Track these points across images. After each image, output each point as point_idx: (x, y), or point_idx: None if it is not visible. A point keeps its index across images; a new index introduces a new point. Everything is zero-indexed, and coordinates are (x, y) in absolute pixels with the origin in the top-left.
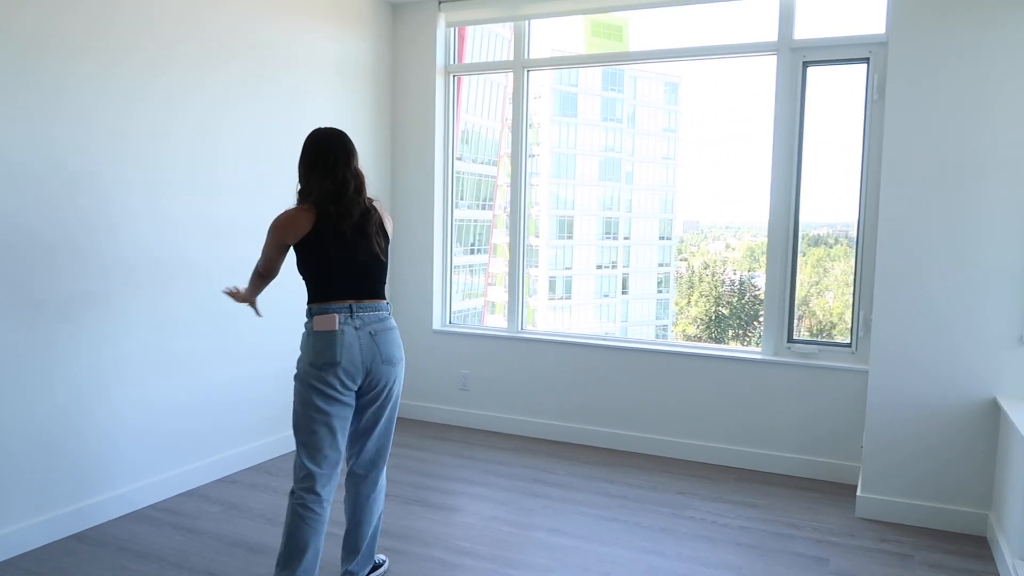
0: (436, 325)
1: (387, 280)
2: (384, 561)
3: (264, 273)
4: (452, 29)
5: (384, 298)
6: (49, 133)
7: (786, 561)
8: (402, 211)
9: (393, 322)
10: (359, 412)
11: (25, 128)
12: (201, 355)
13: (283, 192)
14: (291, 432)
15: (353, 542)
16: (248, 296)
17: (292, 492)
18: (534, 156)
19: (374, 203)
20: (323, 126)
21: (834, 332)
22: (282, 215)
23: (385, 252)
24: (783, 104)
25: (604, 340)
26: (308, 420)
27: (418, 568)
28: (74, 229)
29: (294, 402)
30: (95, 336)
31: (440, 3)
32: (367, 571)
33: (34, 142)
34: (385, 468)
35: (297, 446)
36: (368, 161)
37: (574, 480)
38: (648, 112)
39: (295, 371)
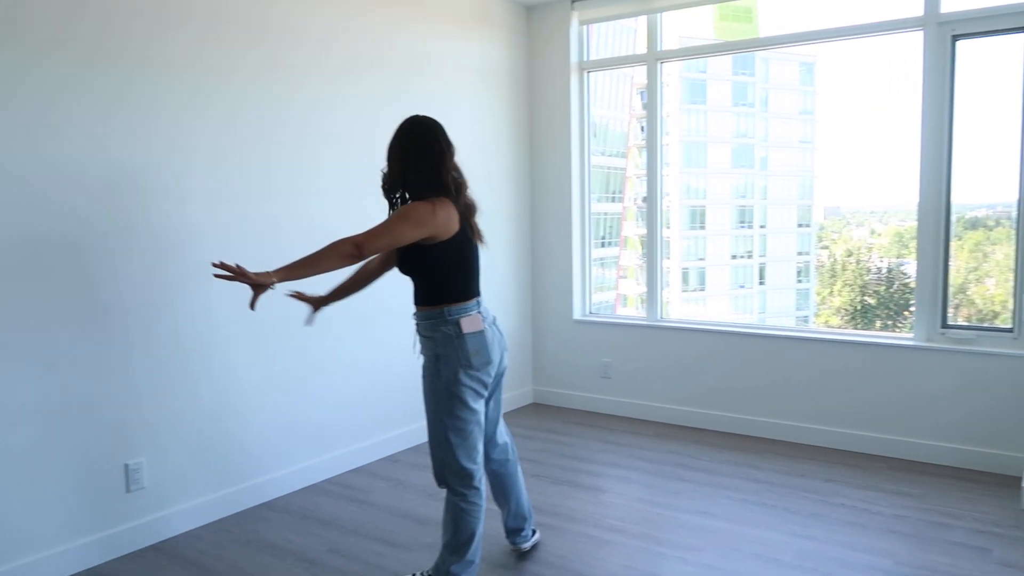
0: (576, 315)
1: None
2: (535, 533)
3: (365, 252)
4: (585, 27)
5: None
6: (223, 143)
7: (944, 550)
8: (541, 205)
9: None
10: (487, 403)
11: (168, 137)
12: (352, 349)
13: None
14: None
15: (518, 517)
16: (264, 278)
17: (451, 490)
18: (664, 146)
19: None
20: (419, 115)
21: (996, 322)
22: (427, 207)
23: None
24: (931, 81)
25: (746, 328)
26: (464, 423)
27: (571, 543)
28: (230, 231)
29: (439, 407)
30: (259, 337)
31: (573, 2)
32: (531, 535)
33: (176, 151)
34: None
35: (454, 449)
36: (507, 159)
37: (719, 466)
38: (782, 95)
39: (437, 378)
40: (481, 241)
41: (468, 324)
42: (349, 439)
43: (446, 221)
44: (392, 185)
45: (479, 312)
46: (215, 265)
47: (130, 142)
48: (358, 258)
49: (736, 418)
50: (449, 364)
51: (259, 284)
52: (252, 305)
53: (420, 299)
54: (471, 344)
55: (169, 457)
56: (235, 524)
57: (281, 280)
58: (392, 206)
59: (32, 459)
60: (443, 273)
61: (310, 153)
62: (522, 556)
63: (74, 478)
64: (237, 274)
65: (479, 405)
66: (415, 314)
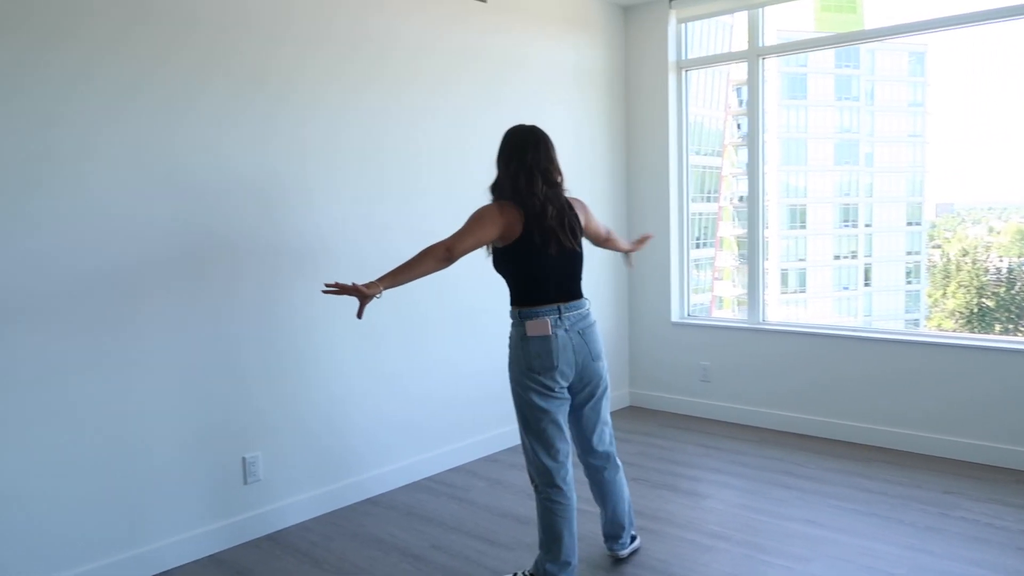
0: (675, 317)
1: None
2: (636, 537)
3: (456, 254)
4: (683, 25)
5: (583, 295)
6: (333, 148)
7: None
8: (638, 207)
9: (593, 316)
10: (576, 409)
11: (283, 142)
12: (453, 350)
13: None
14: None
15: (615, 523)
16: (373, 288)
17: (536, 488)
18: (764, 143)
19: (570, 197)
20: (518, 124)
21: None
22: (494, 207)
23: (582, 246)
24: None
25: (853, 330)
26: (535, 420)
27: (672, 548)
28: (327, 236)
29: (517, 404)
30: (367, 337)
31: (671, 0)
32: (630, 535)
33: (290, 156)
34: (615, 450)
35: (531, 445)
36: (603, 160)
37: (825, 474)
38: (889, 87)
39: (510, 377)
40: (555, 249)
41: (533, 328)
42: (449, 438)
43: (511, 223)
44: (493, 188)
45: (548, 318)
46: (328, 286)
47: (282, 151)
48: (450, 260)
49: (842, 424)
50: (517, 364)
51: (366, 295)
52: (359, 314)
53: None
54: (533, 347)
55: (283, 452)
56: (342, 518)
57: (387, 287)
58: None
59: (162, 451)
60: (511, 276)
61: (415, 157)
62: (622, 560)
63: (197, 470)
64: (345, 290)
65: (549, 405)
66: None
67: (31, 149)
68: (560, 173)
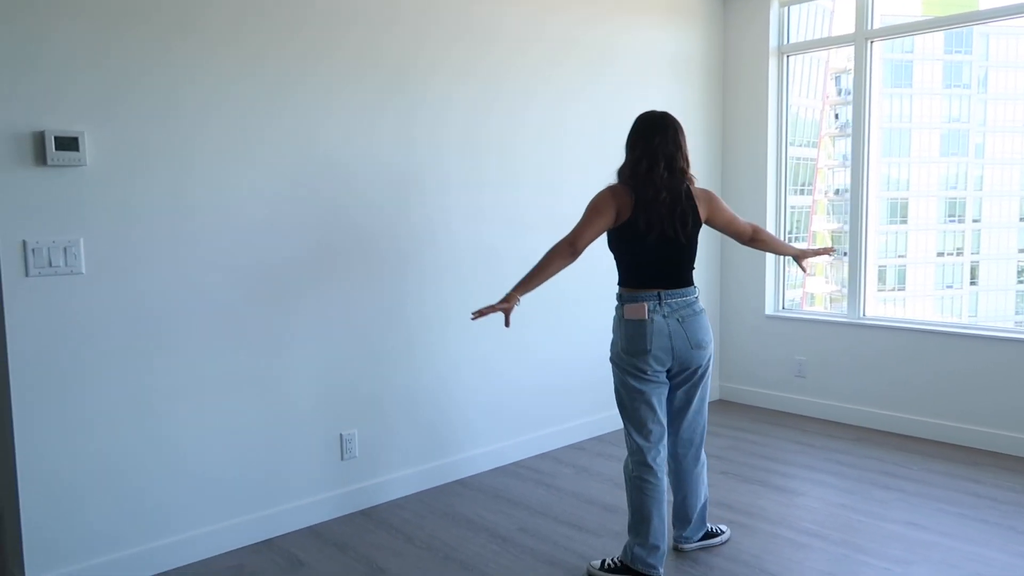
0: (769, 310)
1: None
2: (725, 531)
3: (579, 247)
4: (785, 8)
5: (692, 283)
6: (420, 139)
7: None
8: (734, 197)
9: (701, 305)
10: (671, 392)
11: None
12: (544, 340)
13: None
14: None
15: (682, 513)
16: (512, 300)
17: (627, 467)
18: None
19: (693, 185)
20: (654, 110)
21: None
22: (605, 192)
23: (695, 236)
24: None
25: (959, 327)
26: (629, 399)
27: (766, 543)
28: (437, 226)
29: (614, 382)
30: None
31: None
32: (699, 536)
33: (398, 145)
34: (703, 444)
35: (624, 423)
36: (700, 150)
37: (930, 476)
38: (1005, 73)
39: (609, 352)
40: (657, 236)
41: (630, 311)
42: (537, 425)
43: (621, 207)
44: (619, 171)
45: (646, 303)
46: (475, 314)
47: (424, 140)
48: (575, 255)
49: (949, 426)
50: (614, 344)
51: (508, 309)
52: (507, 323)
53: None
54: (629, 329)
55: (377, 430)
56: (433, 497)
57: (522, 294)
58: None
59: (266, 424)
60: (618, 258)
61: (512, 145)
62: (714, 552)
63: (296, 444)
64: (490, 311)
65: (644, 386)
66: None
67: (191, 143)
68: (687, 161)
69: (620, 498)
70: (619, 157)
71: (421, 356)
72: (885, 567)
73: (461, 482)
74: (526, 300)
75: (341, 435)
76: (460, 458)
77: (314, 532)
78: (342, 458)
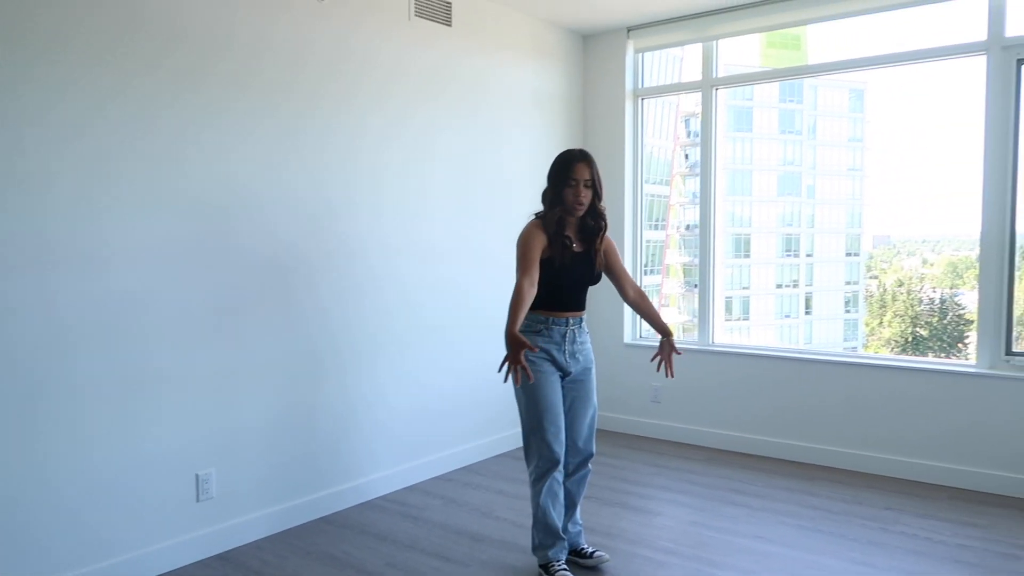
0: (627, 339)
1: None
2: (596, 552)
3: (526, 281)
4: (640, 55)
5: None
6: (317, 172)
7: None
8: None
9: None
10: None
11: (297, 169)
12: (418, 366)
13: (486, 215)
14: (498, 436)
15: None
16: (521, 340)
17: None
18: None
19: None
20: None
21: None
22: (530, 227)
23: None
24: (995, 106)
25: (799, 352)
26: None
27: (627, 563)
28: (323, 255)
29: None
30: (336, 351)
31: (629, 31)
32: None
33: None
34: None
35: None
36: None
37: (773, 491)
38: (830, 122)
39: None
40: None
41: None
42: (402, 458)
43: (535, 242)
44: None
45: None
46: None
47: (335, 175)
48: (532, 285)
49: (789, 444)
50: None
51: (518, 342)
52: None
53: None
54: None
55: (236, 469)
56: (295, 537)
57: (520, 333)
58: None
59: (120, 464)
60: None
61: (379, 178)
62: (577, 570)
63: (150, 485)
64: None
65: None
66: (579, 320)
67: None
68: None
69: (488, 527)
70: (486, 187)
71: (281, 390)
72: None
73: (325, 519)
74: (400, 330)
75: (197, 475)
76: (323, 495)
77: None
78: (198, 499)
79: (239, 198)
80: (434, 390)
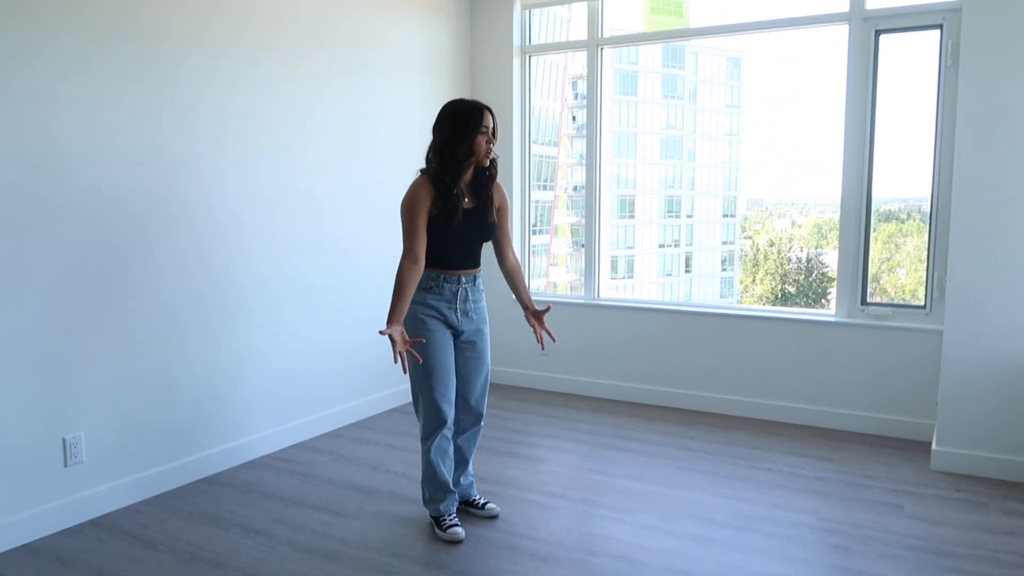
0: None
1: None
2: (488, 503)
3: (412, 255)
4: (527, 11)
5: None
6: (159, 122)
7: (863, 507)
8: None
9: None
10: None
11: (139, 115)
12: (300, 328)
13: (373, 169)
14: (388, 392)
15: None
16: (393, 330)
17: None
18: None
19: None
20: (457, 99)
21: None
22: (414, 186)
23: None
24: (855, 75)
25: (678, 306)
26: None
27: (516, 508)
28: (181, 210)
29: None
30: (206, 309)
31: None
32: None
33: (145, 129)
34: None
35: None
36: None
37: (653, 436)
38: (710, 88)
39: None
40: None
41: None
42: (289, 415)
43: (420, 207)
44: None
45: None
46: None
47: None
48: (416, 263)
49: (669, 392)
50: None
51: (394, 339)
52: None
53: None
54: None
55: (108, 432)
56: (175, 498)
57: (398, 322)
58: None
59: None
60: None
61: (258, 129)
62: (469, 520)
63: (10, 452)
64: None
65: None
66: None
67: None
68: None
69: (378, 481)
70: (371, 141)
71: (157, 351)
72: (617, 516)
73: (208, 480)
74: (281, 287)
75: (64, 439)
76: (202, 456)
77: (31, 549)
78: (66, 464)
79: (108, 150)
80: (318, 348)
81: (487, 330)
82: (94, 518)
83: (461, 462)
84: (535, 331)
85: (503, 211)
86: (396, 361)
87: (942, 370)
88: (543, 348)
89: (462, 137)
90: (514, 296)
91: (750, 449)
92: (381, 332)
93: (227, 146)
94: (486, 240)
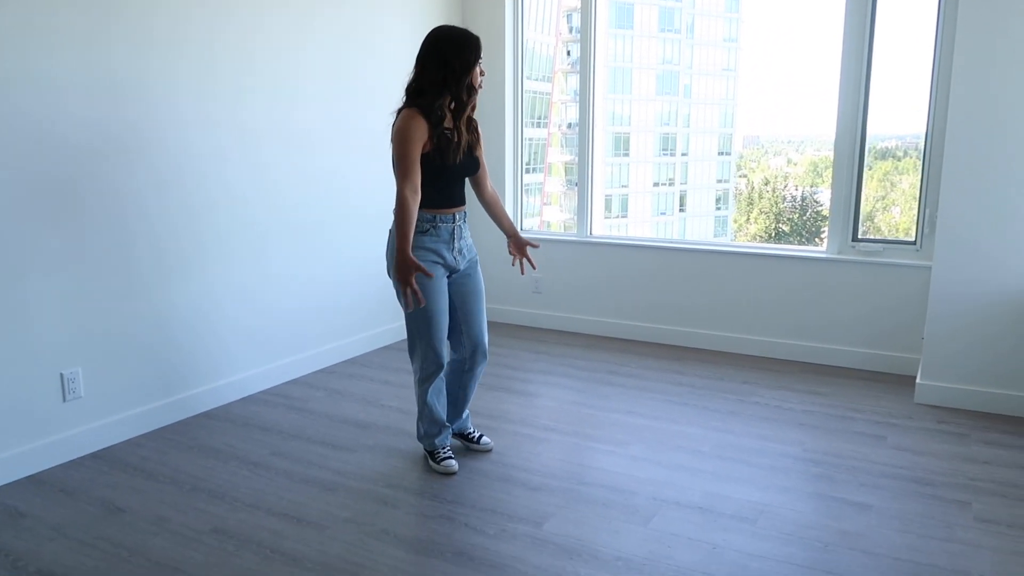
0: None
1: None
2: (483, 437)
3: (408, 187)
4: None
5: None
6: (141, 55)
7: (847, 438)
8: None
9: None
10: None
11: (123, 47)
12: (293, 265)
13: (365, 102)
14: (382, 329)
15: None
16: (410, 259)
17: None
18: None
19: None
20: (441, 25)
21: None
22: (406, 116)
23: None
24: (853, 8)
25: (671, 243)
26: None
27: (510, 441)
28: (173, 143)
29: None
30: (201, 245)
31: None
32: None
33: (130, 66)
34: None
35: None
36: None
37: (645, 372)
38: (708, 21)
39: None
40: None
41: None
42: (285, 352)
43: (416, 138)
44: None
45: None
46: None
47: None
48: (416, 192)
49: (662, 329)
50: None
51: (414, 272)
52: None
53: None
54: None
55: (106, 367)
56: (175, 432)
57: (411, 252)
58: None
59: None
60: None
61: (248, 61)
62: (464, 453)
63: (9, 387)
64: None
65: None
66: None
67: None
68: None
69: (373, 415)
70: (362, 74)
71: (154, 286)
72: (609, 449)
73: (207, 415)
74: (273, 225)
75: (62, 375)
76: (203, 391)
77: (35, 481)
78: (64, 399)
79: (101, 83)
80: (312, 286)
81: (477, 261)
82: (95, 451)
83: (462, 403)
84: (515, 259)
85: (479, 141)
86: (402, 300)
87: (929, 305)
88: (522, 273)
89: (461, 69)
90: (497, 226)
91: (740, 384)
92: (425, 274)
93: (213, 79)
94: (473, 175)
